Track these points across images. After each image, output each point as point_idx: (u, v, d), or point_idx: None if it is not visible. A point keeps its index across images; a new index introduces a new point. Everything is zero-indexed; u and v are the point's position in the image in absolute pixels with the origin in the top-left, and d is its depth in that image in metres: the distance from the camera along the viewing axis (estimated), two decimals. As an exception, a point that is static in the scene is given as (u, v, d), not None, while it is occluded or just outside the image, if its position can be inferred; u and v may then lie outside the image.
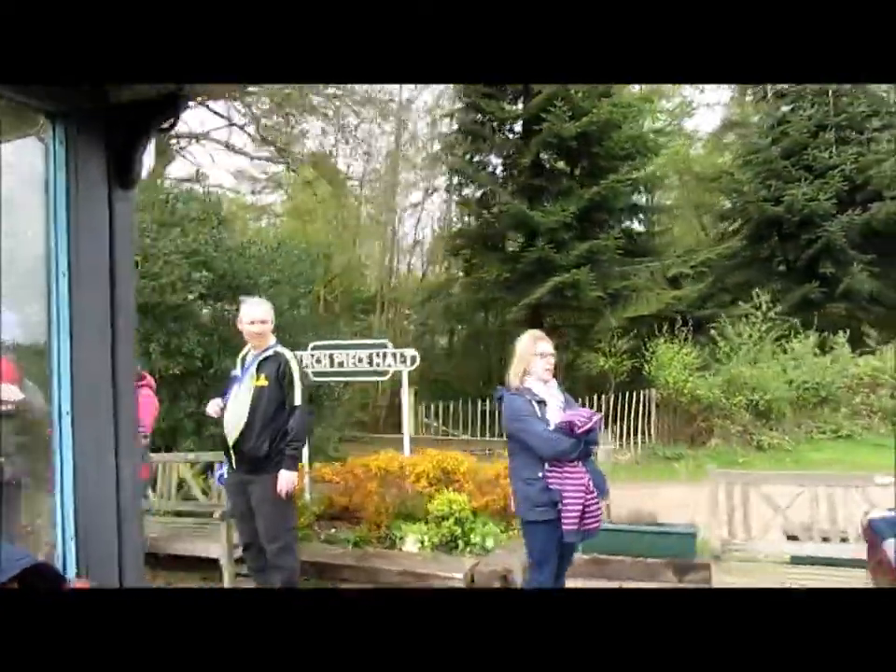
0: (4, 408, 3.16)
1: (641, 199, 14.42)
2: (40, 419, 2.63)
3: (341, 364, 5.94)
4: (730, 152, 18.58)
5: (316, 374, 6.04)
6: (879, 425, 11.59)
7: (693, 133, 18.94)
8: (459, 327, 17.04)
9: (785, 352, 12.29)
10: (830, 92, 15.89)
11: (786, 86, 16.61)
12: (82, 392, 1.75)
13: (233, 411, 3.86)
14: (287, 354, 3.97)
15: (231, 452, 3.88)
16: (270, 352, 3.94)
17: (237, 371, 4.01)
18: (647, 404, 11.74)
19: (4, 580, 0.88)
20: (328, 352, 6.03)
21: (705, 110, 22.05)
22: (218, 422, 3.96)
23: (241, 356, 4.07)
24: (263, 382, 3.85)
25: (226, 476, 4.16)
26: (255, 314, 3.95)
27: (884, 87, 16.65)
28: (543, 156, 13.67)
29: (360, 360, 5.90)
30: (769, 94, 17.36)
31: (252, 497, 3.88)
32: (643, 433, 11.68)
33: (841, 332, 12.64)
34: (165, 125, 1.79)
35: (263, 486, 3.81)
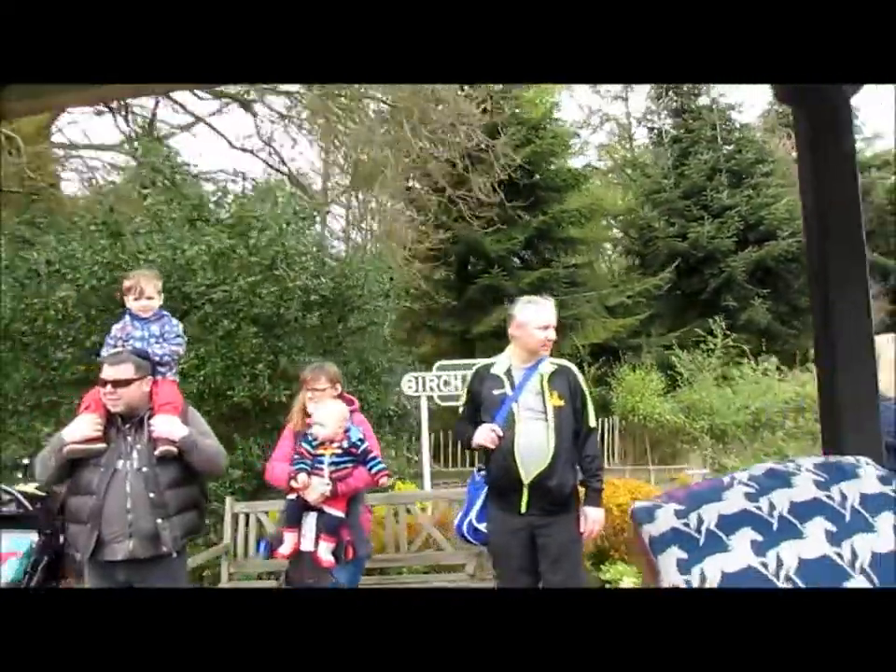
0: (163, 449, 2.78)
1: (575, 231, 14.72)
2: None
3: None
4: (631, 190, 19.44)
5: (444, 398, 5.55)
6: (812, 446, 12.00)
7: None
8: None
9: (728, 378, 12.97)
10: (719, 139, 17.24)
11: (682, 131, 17.86)
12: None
13: (529, 438, 3.03)
14: (573, 366, 3.30)
15: (525, 490, 3.01)
16: (550, 365, 3.20)
17: (505, 389, 3.12)
18: (611, 431, 11.92)
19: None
20: (457, 372, 5.51)
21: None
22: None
23: (495, 370, 3.22)
24: (559, 401, 3.09)
25: (497, 521, 3.16)
26: (549, 317, 3.24)
27: (763, 136, 18.43)
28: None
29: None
30: (665, 138, 18.58)
31: (550, 545, 3.05)
32: (608, 459, 11.62)
33: (746, 361, 13.34)
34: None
35: (566, 529, 3.07)
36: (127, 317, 2.99)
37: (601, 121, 24.25)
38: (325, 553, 3.01)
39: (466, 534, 3.33)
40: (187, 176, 7.84)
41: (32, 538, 3.74)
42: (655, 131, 20.64)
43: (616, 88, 22.35)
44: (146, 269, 4.04)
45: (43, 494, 4.03)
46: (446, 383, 5.53)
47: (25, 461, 5.31)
